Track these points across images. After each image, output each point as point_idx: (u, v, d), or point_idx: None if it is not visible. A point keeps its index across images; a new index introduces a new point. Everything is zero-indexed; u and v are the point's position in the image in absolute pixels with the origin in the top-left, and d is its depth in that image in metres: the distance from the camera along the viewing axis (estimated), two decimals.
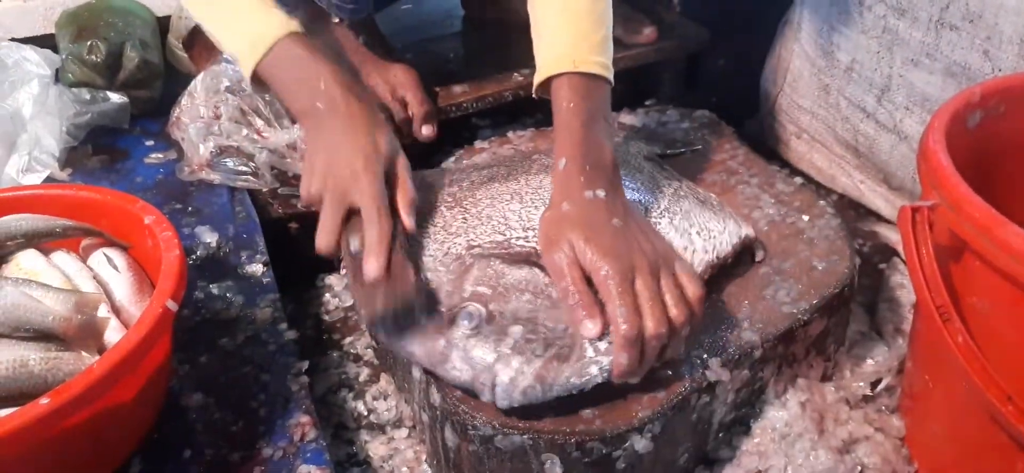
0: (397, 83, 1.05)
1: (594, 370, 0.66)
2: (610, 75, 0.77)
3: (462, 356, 0.67)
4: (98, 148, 1.09)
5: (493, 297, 0.70)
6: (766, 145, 1.24)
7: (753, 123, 1.29)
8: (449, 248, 0.78)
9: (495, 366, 0.66)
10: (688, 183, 0.91)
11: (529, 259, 0.75)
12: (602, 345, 0.67)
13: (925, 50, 0.95)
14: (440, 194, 0.87)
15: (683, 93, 1.34)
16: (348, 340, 0.94)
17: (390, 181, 0.77)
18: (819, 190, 1.12)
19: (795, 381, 0.80)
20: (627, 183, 0.82)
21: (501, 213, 0.82)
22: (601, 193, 0.72)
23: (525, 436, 0.65)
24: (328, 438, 0.79)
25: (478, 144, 1.07)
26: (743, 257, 0.83)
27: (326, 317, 0.97)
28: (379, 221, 0.72)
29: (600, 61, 0.76)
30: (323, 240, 0.73)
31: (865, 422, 0.79)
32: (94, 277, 0.72)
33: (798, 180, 0.98)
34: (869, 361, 0.86)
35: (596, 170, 0.74)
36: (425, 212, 0.84)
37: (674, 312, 0.66)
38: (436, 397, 0.70)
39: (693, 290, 0.68)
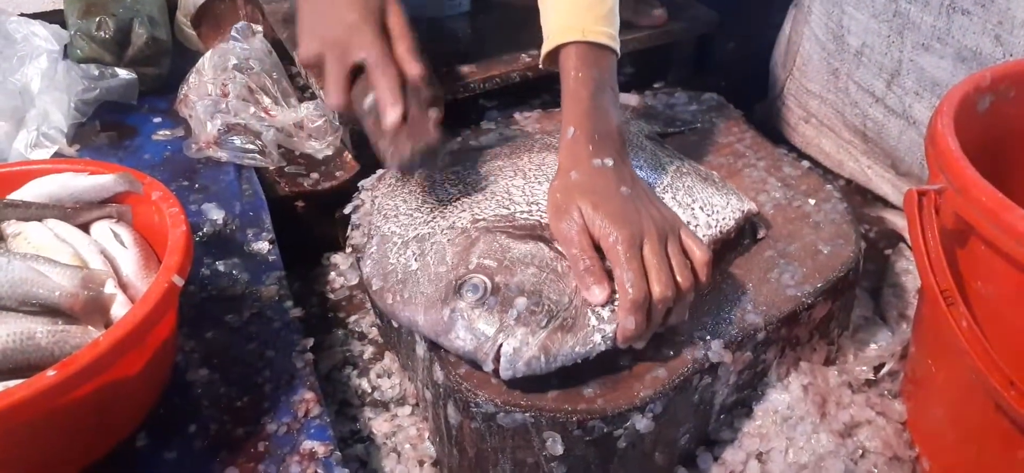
0: None
1: (598, 338, 0.66)
2: (617, 45, 0.78)
3: (466, 326, 0.67)
4: (106, 124, 1.09)
5: (499, 270, 0.70)
6: (774, 129, 1.23)
7: (762, 107, 1.28)
8: (454, 222, 0.78)
9: (499, 336, 0.66)
10: (690, 161, 0.91)
11: (534, 233, 0.75)
12: (605, 313, 0.67)
13: (936, 34, 0.94)
14: (443, 171, 0.87)
15: (692, 76, 1.33)
16: (353, 318, 0.94)
17: (387, 32, 0.76)
18: (826, 174, 1.11)
19: (798, 364, 0.80)
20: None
21: (505, 188, 0.82)
22: (609, 162, 0.73)
23: (527, 414, 0.66)
24: (332, 415, 0.79)
25: (484, 125, 1.07)
26: (746, 234, 0.84)
27: (331, 295, 0.98)
28: (386, 69, 0.72)
29: (607, 31, 0.77)
30: (333, 99, 0.75)
31: (867, 406, 0.79)
32: (101, 252, 0.72)
33: (805, 164, 0.97)
34: (872, 346, 0.86)
35: (604, 139, 0.74)
36: (428, 188, 0.85)
37: (680, 277, 0.67)
38: (439, 375, 0.70)
39: (700, 255, 0.69)
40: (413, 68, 0.75)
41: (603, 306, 0.67)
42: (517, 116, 1.08)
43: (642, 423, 0.67)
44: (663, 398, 0.68)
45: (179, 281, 0.63)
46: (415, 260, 0.74)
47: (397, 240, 0.78)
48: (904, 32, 0.98)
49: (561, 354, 0.66)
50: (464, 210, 0.80)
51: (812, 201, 0.89)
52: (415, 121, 0.73)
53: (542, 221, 0.76)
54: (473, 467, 0.72)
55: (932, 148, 0.65)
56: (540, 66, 0.81)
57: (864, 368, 0.83)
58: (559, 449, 0.66)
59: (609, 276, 0.68)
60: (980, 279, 0.62)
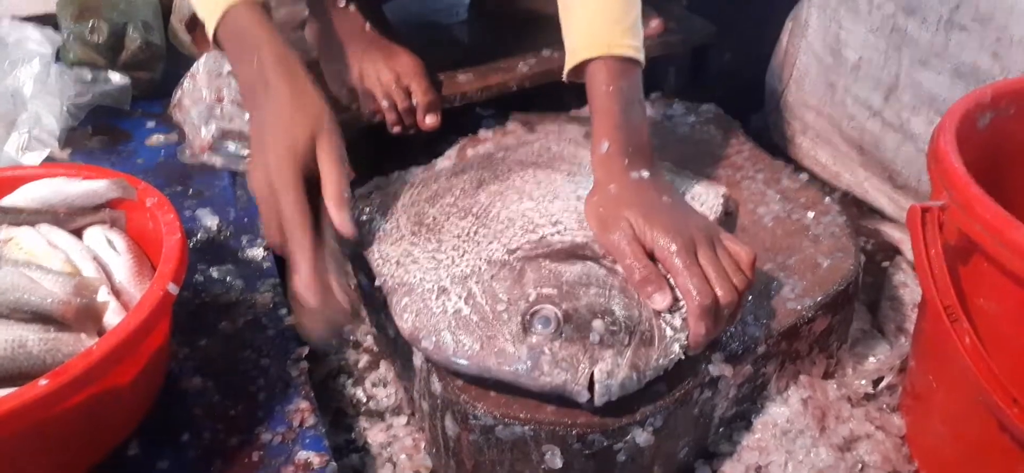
0: (401, 71, 1.04)
1: (676, 348, 0.67)
2: (642, 57, 0.78)
3: (550, 361, 0.64)
4: (98, 129, 1.08)
5: (561, 296, 0.68)
6: (770, 141, 1.23)
7: (758, 118, 1.28)
8: (487, 256, 0.75)
9: (587, 364, 0.64)
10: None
11: (576, 253, 0.73)
12: (677, 321, 0.67)
13: (934, 50, 0.95)
14: (436, 203, 0.84)
15: (688, 87, 1.34)
16: (347, 327, 0.93)
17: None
18: (823, 187, 1.12)
19: (797, 378, 0.80)
20: None
21: (519, 213, 0.80)
22: (645, 174, 0.75)
23: (526, 426, 0.65)
24: (326, 424, 0.78)
25: (482, 133, 1.07)
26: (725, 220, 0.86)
27: None
28: (299, 245, 0.68)
29: (634, 44, 0.77)
30: (270, 241, 0.71)
31: (866, 420, 0.79)
32: (94, 258, 0.71)
33: (804, 177, 0.97)
34: (871, 359, 0.86)
35: (638, 152, 0.76)
36: (434, 228, 0.80)
37: (735, 280, 0.68)
38: (436, 386, 0.69)
39: (746, 257, 0.71)
40: (339, 221, 0.70)
41: (671, 313, 0.68)
42: (510, 125, 1.08)
43: (642, 437, 0.66)
44: (663, 412, 0.67)
45: (174, 289, 0.62)
46: (465, 303, 0.69)
47: (429, 285, 0.72)
48: (902, 47, 0.99)
49: (649, 369, 0.65)
50: (491, 242, 0.76)
51: (811, 214, 0.88)
52: (325, 298, 0.68)
53: (576, 239, 0.75)
54: None
55: (935, 164, 0.65)
56: (564, 79, 0.81)
57: (863, 382, 0.83)
58: (558, 462, 0.66)
59: (668, 282, 0.69)
60: (983, 296, 0.62)
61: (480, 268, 0.73)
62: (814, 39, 1.12)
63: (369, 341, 0.91)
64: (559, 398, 0.65)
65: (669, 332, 0.67)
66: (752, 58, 1.31)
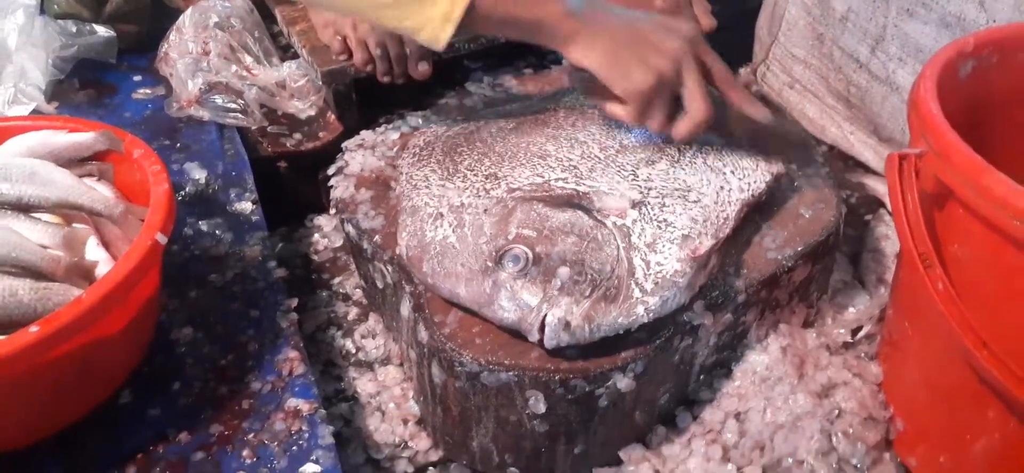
0: None
1: (640, 310, 0.67)
2: None
3: (509, 297, 0.67)
4: (85, 82, 1.08)
5: (539, 239, 0.70)
6: (758, 93, 1.23)
7: (746, 72, 1.28)
8: (489, 190, 0.78)
9: (543, 306, 0.66)
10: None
11: (571, 201, 0.75)
12: (648, 285, 0.68)
13: (921, 0, 0.95)
14: (471, 138, 0.87)
15: None
16: (337, 280, 0.94)
17: None
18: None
19: (777, 326, 0.81)
20: None
21: (539, 154, 0.83)
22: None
23: (511, 373, 0.66)
24: (316, 374, 0.79)
25: (469, 86, 1.07)
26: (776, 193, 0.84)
27: (315, 257, 0.98)
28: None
29: None
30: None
31: (844, 368, 0.81)
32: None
33: None
34: (851, 309, 0.87)
35: None
36: (457, 156, 0.84)
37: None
38: (424, 335, 0.71)
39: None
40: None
41: (645, 280, 0.68)
42: (511, 79, 1.08)
43: (623, 382, 0.68)
44: (644, 358, 0.68)
45: (162, 239, 0.63)
46: (453, 231, 0.74)
47: (431, 210, 0.77)
48: None
49: (605, 324, 0.66)
50: (499, 179, 0.79)
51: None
52: None
53: (579, 189, 0.77)
54: (457, 425, 0.73)
55: (914, 112, 0.66)
56: None
57: (842, 331, 0.85)
58: (541, 407, 0.67)
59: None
60: (957, 242, 0.63)
61: (478, 202, 0.76)
62: None
63: (358, 294, 0.92)
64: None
65: (637, 293, 0.68)
66: (741, 10, 1.30)
